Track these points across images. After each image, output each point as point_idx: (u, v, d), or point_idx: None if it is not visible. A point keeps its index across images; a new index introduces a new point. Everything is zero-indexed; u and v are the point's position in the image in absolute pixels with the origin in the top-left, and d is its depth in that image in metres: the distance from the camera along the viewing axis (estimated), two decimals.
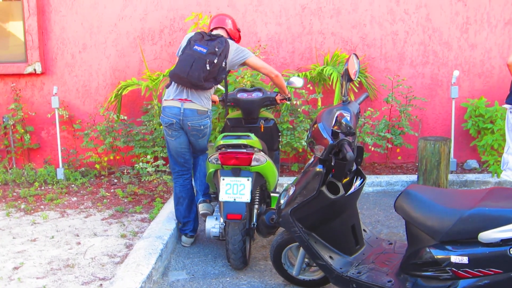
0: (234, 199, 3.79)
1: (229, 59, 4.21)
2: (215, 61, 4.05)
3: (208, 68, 4.04)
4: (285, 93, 4.64)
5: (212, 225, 4.06)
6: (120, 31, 6.61)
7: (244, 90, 4.79)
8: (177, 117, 4.21)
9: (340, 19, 6.57)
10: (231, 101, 4.69)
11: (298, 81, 4.72)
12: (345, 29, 6.58)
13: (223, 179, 3.86)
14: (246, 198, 3.79)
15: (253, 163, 3.84)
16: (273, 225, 3.82)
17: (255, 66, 4.36)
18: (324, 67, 6.25)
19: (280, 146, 5.09)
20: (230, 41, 4.28)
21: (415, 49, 6.61)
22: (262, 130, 4.69)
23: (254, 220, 3.95)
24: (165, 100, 4.32)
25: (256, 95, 4.71)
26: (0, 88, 6.71)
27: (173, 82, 4.30)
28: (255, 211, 4.01)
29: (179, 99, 4.22)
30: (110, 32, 6.62)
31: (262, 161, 3.89)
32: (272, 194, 4.39)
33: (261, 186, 4.11)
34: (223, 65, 4.15)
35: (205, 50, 4.06)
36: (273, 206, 4.39)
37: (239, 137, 4.00)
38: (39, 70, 6.57)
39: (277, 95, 4.71)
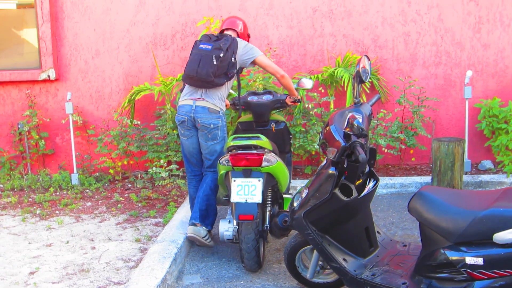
0: (246, 200, 3.79)
1: (238, 55, 4.32)
2: (221, 55, 4.14)
3: (215, 63, 4.13)
4: (294, 94, 4.66)
5: (226, 228, 4.06)
6: (133, 36, 6.66)
7: (254, 93, 4.80)
8: (188, 115, 4.30)
9: (352, 21, 6.55)
10: (242, 105, 4.70)
11: (307, 83, 4.72)
12: (357, 31, 6.57)
13: (234, 180, 3.86)
14: (258, 198, 3.79)
15: (263, 163, 3.84)
16: (286, 227, 3.81)
17: (263, 64, 4.48)
18: (336, 69, 6.24)
19: (292, 149, 5.07)
20: (238, 39, 4.41)
21: (427, 49, 6.57)
22: (274, 131, 4.68)
23: (267, 222, 3.95)
24: (179, 101, 4.45)
25: (267, 98, 4.72)
26: (15, 94, 6.78)
27: (186, 85, 4.42)
28: (268, 212, 4.01)
29: (191, 98, 4.33)
30: (123, 37, 6.67)
31: (272, 161, 3.90)
32: (284, 196, 4.38)
33: (272, 187, 4.11)
34: (233, 60, 4.24)
35: (210, 47, 4.19)
36: (286, 207, 4.39)
37: (249, 138, 4.02)
38: (53, 76, 6.63)
39: (287, 97, 4.70)
